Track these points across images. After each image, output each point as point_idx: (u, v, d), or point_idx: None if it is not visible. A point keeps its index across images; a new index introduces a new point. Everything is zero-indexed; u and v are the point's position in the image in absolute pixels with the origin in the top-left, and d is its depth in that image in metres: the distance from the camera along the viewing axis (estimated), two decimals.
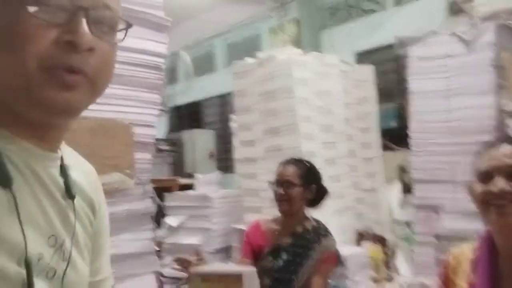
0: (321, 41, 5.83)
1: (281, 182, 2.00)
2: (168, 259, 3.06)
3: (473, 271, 1.20)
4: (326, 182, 2.13)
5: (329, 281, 2.04)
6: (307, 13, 5.89)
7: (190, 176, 5.21)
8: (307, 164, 2.09)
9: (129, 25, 0.63)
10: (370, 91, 3.88)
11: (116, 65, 0.65)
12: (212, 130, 7.47)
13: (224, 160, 6.78)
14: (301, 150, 2.97)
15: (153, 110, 1.83)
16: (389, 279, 3.12)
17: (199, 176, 4.02)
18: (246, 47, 6.48)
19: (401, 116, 4.53)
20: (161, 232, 3.54)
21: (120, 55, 0.75)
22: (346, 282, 2.64)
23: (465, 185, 1.24)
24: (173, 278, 2.73)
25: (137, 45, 1.69)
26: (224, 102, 7.30)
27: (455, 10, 4.09)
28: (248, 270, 1.58)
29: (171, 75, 7.84)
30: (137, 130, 1.75)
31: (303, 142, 3.09)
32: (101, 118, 1.61)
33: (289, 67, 3.14)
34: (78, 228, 0.66)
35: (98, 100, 0.63)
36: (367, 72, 3.92)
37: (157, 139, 2.13)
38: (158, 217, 3.27)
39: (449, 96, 2.46)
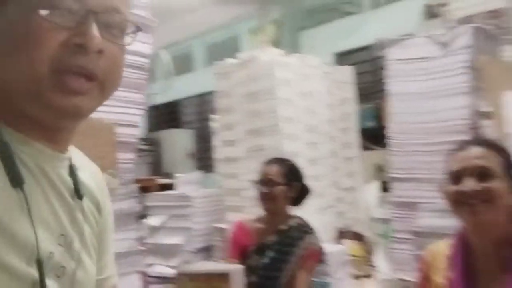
0: (300, 42, 5.90)
1: (265, 181, 2.03)
2: (150, 259, 3.05)
3: (449, 267, 1.25)
4: (308, 181, 2.17)
5: (313, 279, 2.08)
6: (287, 15, 5.94)
7: (169, 176, 5.18)
8: (290, 163, 2.13)
9: (138, 29, 0.63)
10: (350, 92, 3.94)
11: None
12: (190, 130, 7.43)
13: (203, 159, 6.76)
14: (283, 150, 3.00)
15: (137, 110, 1.84)
16: (369, 276, 3.18)
17: (179, 175, 4.00)
18: (225, 47, 6.48)
19: (378, 116, 4.62)
20: (141, 232, 3.51)
21: None
22: (328, 280, 2.68)
23: (439, 185, 1.28)
24: (159, 277, 2.73)
25: None
26: (203, 101, 7.27)
27: (431, 13, 4.21)
28: (235, 269, 1.60)
29: (150, 74, 7.75)
30: (120, 130, 1.75)
31: (285, 143, 3.11)
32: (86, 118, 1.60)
33: (271, 68, 3.16)
34: (86, 228, 0.67)
35: None
36: (347, 73, 3.98)
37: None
38: (139, 217, 3.24)
39: (426, 98, 2.52)
